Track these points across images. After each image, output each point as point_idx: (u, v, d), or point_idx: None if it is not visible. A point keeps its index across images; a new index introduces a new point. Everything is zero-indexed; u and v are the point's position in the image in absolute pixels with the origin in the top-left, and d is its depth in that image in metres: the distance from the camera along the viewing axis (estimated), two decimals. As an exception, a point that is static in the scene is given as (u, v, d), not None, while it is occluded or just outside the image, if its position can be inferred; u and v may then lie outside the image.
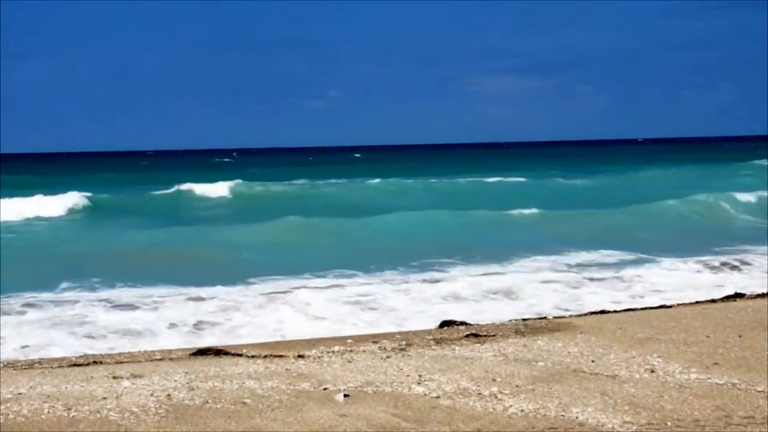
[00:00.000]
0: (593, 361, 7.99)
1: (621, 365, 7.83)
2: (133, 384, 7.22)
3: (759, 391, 6.94)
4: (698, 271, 16.68)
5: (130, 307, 13.54)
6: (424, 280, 15.81)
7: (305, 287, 14.91)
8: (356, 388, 7.09)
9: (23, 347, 10.92)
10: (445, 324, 10.88)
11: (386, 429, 6.07)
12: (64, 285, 15.52)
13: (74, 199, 34.00)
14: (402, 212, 27.76)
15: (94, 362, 8.77)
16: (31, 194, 33.34)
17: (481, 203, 31.13)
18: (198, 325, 12.15)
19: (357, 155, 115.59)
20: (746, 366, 7.78)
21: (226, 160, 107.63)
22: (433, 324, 11.38)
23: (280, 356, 8.57)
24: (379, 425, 6.12)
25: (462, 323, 10.89)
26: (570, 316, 11.59)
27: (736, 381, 7.26)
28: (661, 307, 11.73)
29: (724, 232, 23.75)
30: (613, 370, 7.67)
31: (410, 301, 13.80)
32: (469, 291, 14.52)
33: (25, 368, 8.52)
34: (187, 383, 7.21)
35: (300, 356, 8.51)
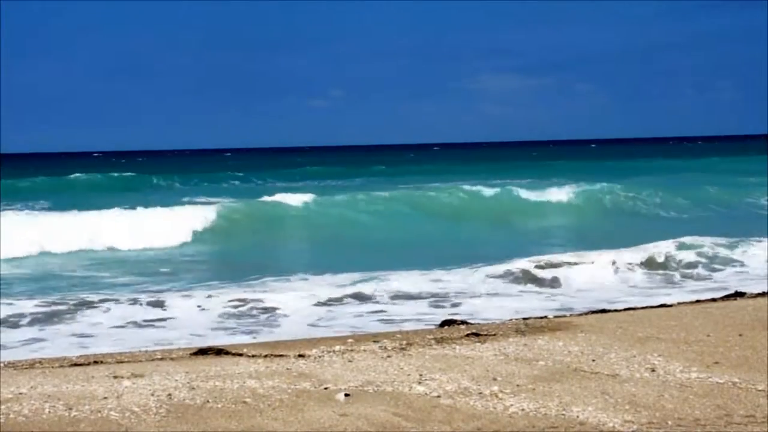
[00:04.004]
0: (594, 360, 7.99)
1: (621, 364, 7.83)
2: (133, 384, 7.22)
3: (759, 390, 6.95)
4: None
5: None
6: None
7: None
8: (357, 387, 7.09)
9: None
10: (446, 323, 10.89)
11: (387, 428, 6.07)
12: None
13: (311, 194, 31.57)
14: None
15: (95, 362, 8.78)
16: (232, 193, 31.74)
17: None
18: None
19: (411, 155, 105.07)
20: (747, 365, 7.78)
21: (298, 157, 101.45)
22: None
23: (281, 356, 8.57)
24: (380, 424, 6.13)
25: (463, 322, 10.90)
26: (570, 315, 11.60)
27: (736, 380, 7.26)
28: (661, 306, 11.73)
29: None
30: (614, 369, 7.67)
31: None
32: None
33: (25, 368, 8.52)
34: (188, 383, 7.22)
35: (300, 356, 8.51)
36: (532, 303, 13.66)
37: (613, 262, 16.56)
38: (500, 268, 15.87)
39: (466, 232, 25.96)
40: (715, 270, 16.98)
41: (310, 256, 21.40)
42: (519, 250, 18.71)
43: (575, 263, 16.43)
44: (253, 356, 8.59)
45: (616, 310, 11.60)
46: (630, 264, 16.70)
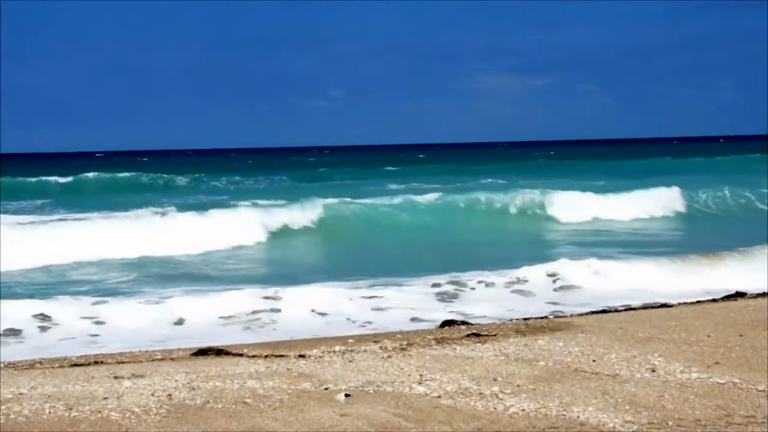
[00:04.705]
0: (594, 361, 7.99)
1: (622, 365, 7.83)
2: (134, 384, 7.23)
3: (760, 391, 6.95)
4: None
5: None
6: None
7: None
8: (357, 387, 7.09)
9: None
10: (446, 323, 10.88)
11: (387, 428, 6.07)
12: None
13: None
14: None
15: (95, 362, 8.78)
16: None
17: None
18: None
19: (420, 155, 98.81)
20: (747, 365, 7.78)
21: (312, 159, 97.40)
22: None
23: (281, 356, 8.57)
24: (380, 425, 6.13)
25: (463, 323, 10.89)
26: (571, 315, 11.59)
27: (737, 380, 7.26)
28: (662, 306, 11.73)
29: None
30: (614, 369, 7.67)
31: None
32: None
33: (26, 368, 8.52)
34: (188, 383, 7.22)
35: (301, 356, 8.51)
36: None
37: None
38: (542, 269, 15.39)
39: (515, 234, 25.16)
40: None
41: (347, 260, 20.52)
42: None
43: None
44: (254, 356, 8.59)
45: (616, 310, 11.60)
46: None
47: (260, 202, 28.92)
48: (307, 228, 24.66)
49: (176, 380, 7.35)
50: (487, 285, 14.53)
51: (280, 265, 19.85)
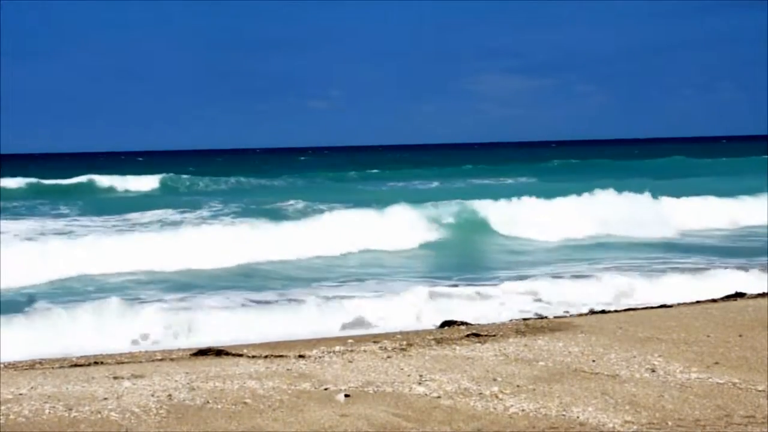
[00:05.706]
0: (594, 361, 7.99)
1: (622, 365, 7.83)
2: (134, 384, 7.23)
3: (759, 391, 6.95)
4: None
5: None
6: None
7: None
8: (357, 388, 7.10)
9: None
10: (446, 324, 10.89)
11: (387, 429, 6.08)
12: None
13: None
14: None
15: (95, 363, 8.79)
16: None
17: None
18: None
19: (427, 157, 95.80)
20: (747, 365, 7.78)
21: (302, 158, 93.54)
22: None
23: (281, 356, 8.58)
24: (380, 425, 6.13)
25: (462, 323, 10.89)
26: (570, 315, 11.59)
27: (736, 380, 7.26)
28: (661, 306, 11.73)
29: None
30: (614, 369, 7.67)
31: None
32: None
33: (25, 369, 8.53)
34: (188, 383, 7.22)
35: (301, 356, 8.52)
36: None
37: None
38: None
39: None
40: None
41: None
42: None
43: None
44: (253, 357, 8.60)
45: (616, 311, 11.60)
46: None
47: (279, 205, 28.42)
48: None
49: (176, 380, 7.35)
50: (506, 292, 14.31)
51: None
